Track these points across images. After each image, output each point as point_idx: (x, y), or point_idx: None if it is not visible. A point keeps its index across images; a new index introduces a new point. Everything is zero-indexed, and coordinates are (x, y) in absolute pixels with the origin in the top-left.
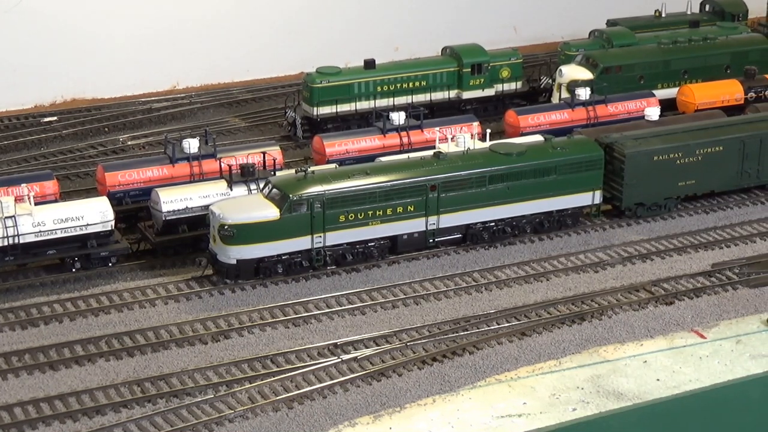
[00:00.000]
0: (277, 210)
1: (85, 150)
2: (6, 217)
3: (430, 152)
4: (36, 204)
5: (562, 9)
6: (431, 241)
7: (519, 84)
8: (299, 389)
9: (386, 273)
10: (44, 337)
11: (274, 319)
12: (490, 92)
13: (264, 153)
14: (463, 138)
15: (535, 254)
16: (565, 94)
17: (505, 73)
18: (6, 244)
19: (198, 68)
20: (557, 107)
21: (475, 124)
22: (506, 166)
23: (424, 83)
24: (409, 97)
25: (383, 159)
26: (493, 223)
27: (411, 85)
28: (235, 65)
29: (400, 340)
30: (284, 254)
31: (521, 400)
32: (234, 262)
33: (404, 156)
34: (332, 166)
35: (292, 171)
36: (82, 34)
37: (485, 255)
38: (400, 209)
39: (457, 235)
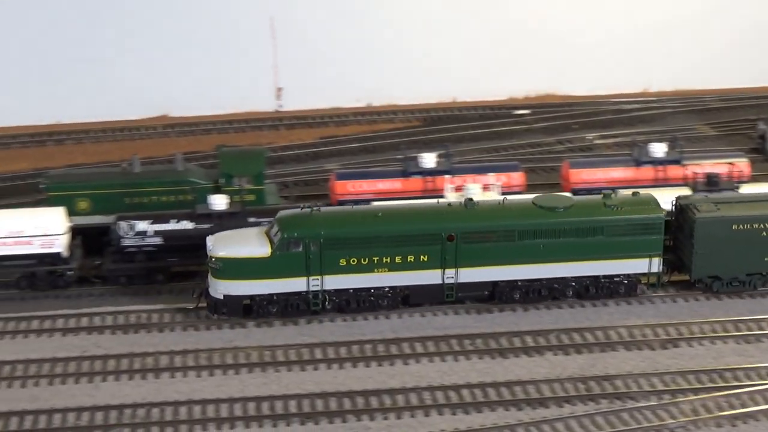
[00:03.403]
0: (270, 247)
1: (553, 145)
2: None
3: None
4: (503, 194)
5: None
6: (449, 295)
7: None
8: (744, 408)
9: None
10: (497, 324)
11: (725, 334)
12: None
13: (731, 164)
14: None
15: None
16: None
17: None
18: None
19: (672, 73)
20: None
21: None
22: (540, 222)
23: None
24: None
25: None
26: (523, 283)
27: None
28: (709, 72)
29: None
30: (276, 294)
31: None
32: (221, 297)
33: (433, 201)
34: (348, 207)
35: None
36: (560, 33)
37: None
38: (411, 258)
39: (483, 292)
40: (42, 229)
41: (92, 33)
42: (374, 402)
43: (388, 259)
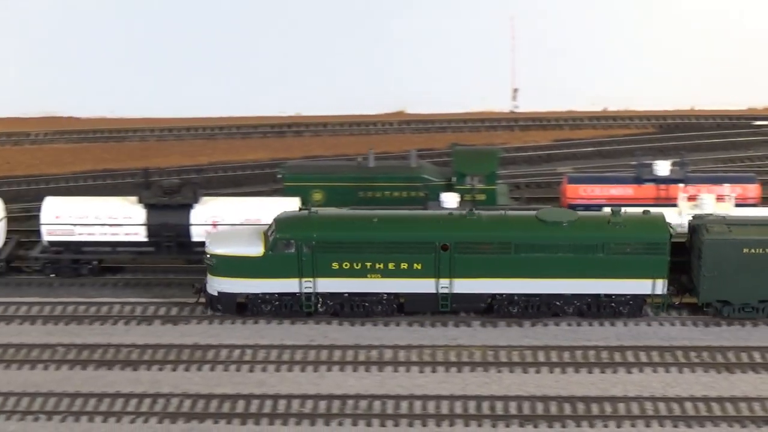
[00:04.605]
0: (263, 247)
1: None
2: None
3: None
4: (737, 206)
5: None
6: (444, 305)
7: None
8: None
9: None
10: (725, 338)
11: None
12: None
13: None
14: None
15: None
16: None
17: None
18: None
19: None
20: None
21: None
22: (539, 235)
23: None
24: None
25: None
26: (521, 297)
27: None
28: None
29: None
30: (269, 294)
31: None
32: (216, 293)
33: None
34: (346, 211)
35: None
36: None
37: None
38: (404, 265)
39: (479, 304)
40: None
41: (336, 29)
42: (595, 409)
43: (382, 266)
